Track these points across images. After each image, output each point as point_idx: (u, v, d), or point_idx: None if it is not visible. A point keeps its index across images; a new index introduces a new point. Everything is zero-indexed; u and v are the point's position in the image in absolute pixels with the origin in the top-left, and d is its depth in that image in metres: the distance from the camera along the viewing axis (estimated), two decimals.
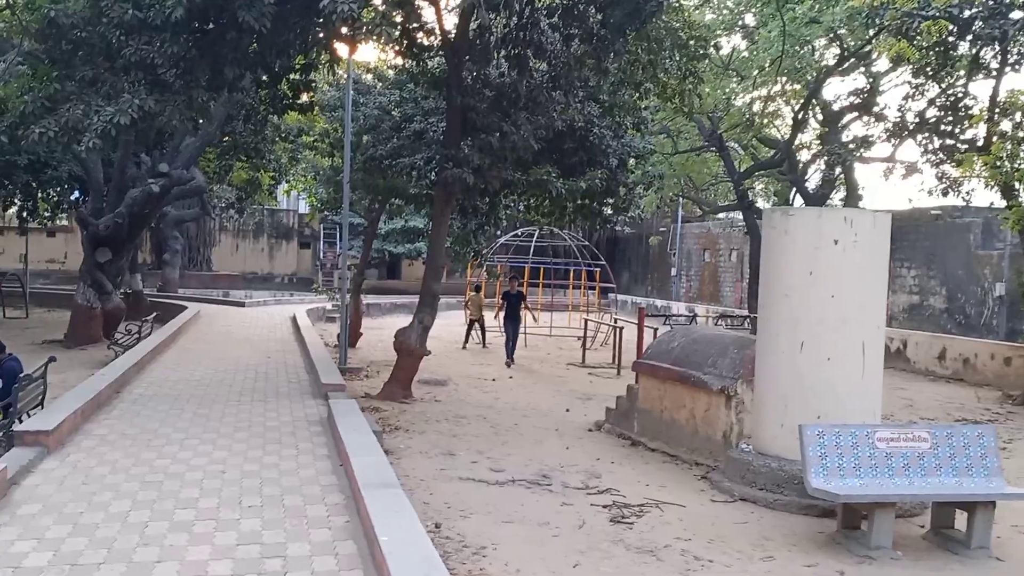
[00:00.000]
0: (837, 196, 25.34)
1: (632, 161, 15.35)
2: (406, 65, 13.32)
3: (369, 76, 18.39)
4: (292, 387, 11.41)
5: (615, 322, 18.17)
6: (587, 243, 22.70)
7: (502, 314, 18.46)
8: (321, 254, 39.83)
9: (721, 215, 36.35)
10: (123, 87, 9.75)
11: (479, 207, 12.92)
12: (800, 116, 18.93)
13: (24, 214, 22.02)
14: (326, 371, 11.59)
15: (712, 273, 36.65)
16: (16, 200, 21.75)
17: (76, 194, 22.16)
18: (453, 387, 13.96)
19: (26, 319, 22.81)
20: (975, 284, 22.45)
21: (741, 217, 36.10)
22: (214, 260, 40.78)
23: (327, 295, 23.08)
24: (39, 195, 21.25)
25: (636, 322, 14.85)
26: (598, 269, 25.93)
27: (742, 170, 21.23)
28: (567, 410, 12.23)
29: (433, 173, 14.55)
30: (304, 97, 13.06)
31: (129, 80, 9.60)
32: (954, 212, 23.74)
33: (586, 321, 18.79)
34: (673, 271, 38.73)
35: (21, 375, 8.09)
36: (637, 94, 13.28)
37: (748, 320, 13.72)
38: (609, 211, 15.31)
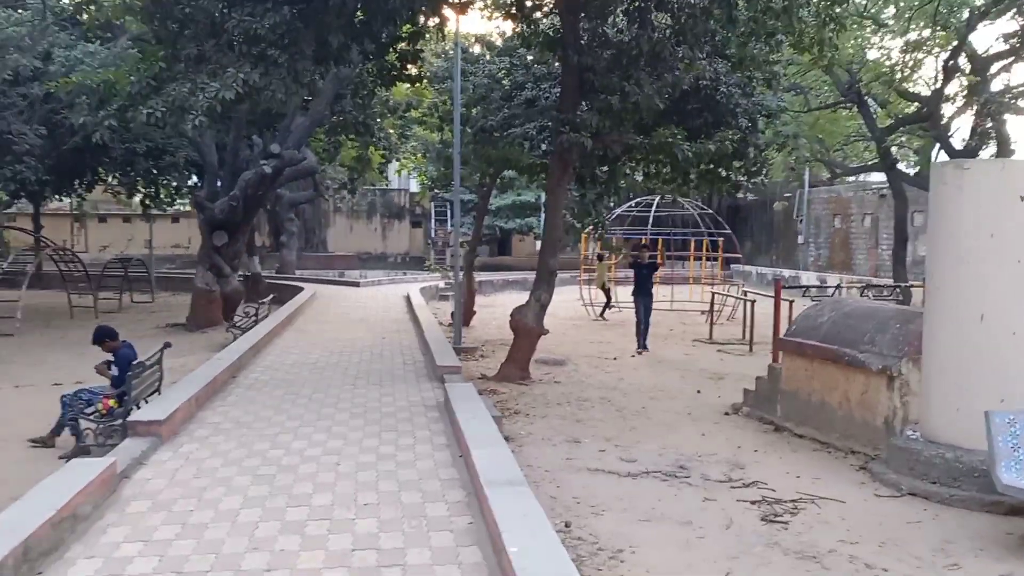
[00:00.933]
0: (987, 152, 23.22)
1: (761, 121, 14.19)
2: (517, 28, 12.59)
3: (477, 47, 17.81)
4: (407, 369, 10.98)
5: (744, 294, 17.05)
6: (710, 211, 21.51)
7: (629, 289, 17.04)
8: (432, 232, 39.75)
9: (851, 178, 34.22)
10: (228, 63, 9.41)
11: (597, 175, 12.12)
12: (950, 63, 17.16)
13: (147, 201, 22.56)
14: (441, 352, 11.10)
15: (843, 240, 34.59)
16: (139, 188, 22.28)
17: (194, 179, 22.54)
18: (572, 367, 13.28)
19: (151, 303, 23.48)
20: None
21: (874, 179, 34.00)
22: (329, 241, 41.38)
23: (439, 273, 22.78)
24: (160, 182, 21.69)
25: (769, 295, 13.75)
26: (721, 239, 24.69)
27: (883, 127, 19.52)
28: (698, 391, 11.37)
29: (546, 142, 13.89)
30: (412, 69, 12.52)
31: (234, 55, 9.24)
32: None
33: (713, 294, 17.73)
34: (800, 239, 36.79)
35: (135, 362, 7.88)
36: (769, 47, 12.15)
37: (897, 290, 12.47)
38: (739, 176, 14.22)
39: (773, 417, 9.29)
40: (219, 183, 18.04)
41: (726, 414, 9.97)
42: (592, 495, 6.73)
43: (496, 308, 23.35)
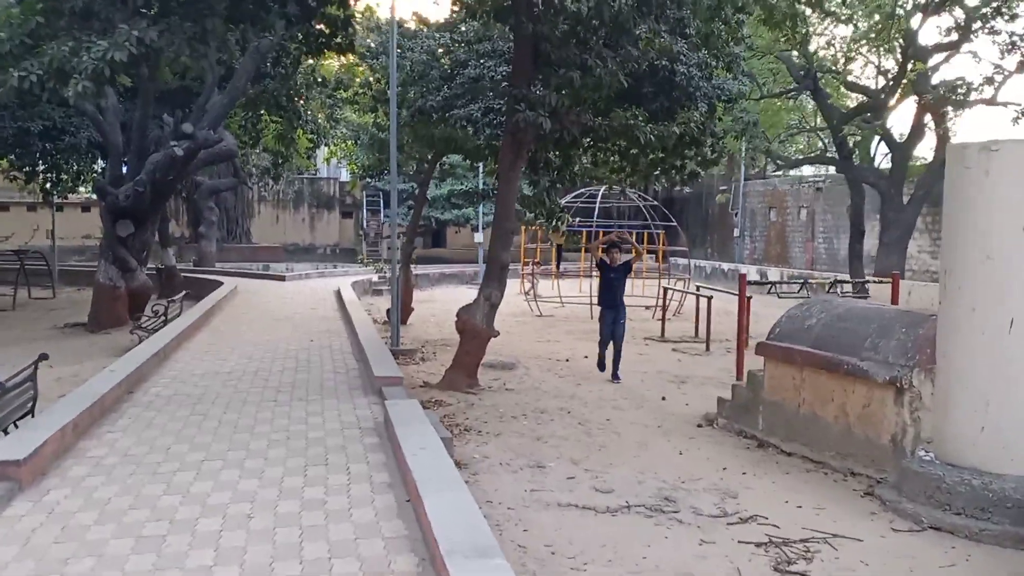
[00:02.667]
0: (927, 145, 22.92)
1: (720, 107, 13.22)
2: None
3: (414, 23, 16.43)
4: (339, 379, 9.62)
5: (697, 290, 16.13)
6: (655, 202, 20.60)
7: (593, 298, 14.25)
8: (364, 223, 38.10)
9: (781, 173, 33.88)
10: (121, 18, 7.91)
11: (551, 161, 10.94)
12: (901, 55, 16.54)
13: (47, 187, 20.48)
14: (378, 358, 9.78)
15: (779, 233, 34.24)
16: (40, 172, 20.18)
17: (101, 163, 20.56)
18: (523, 371, 12.10)
19: (52, 300, 21.44)
20: None
21: (808, 173, 33.72)
22: (253, 232, 39.32)
23: (372, 266, 21.41)
24: (62, 165, 19.65)
25: (726, 291, 12.83)
26: (661, 232, 23.83)
27: (839, 116, 18.81)
28: (663, 398, 10.31)
29: (491, 124, 12.66)
30: (341, 37, 11.12)
31: (128, 9, 7.75)
32: None
33: (665, 290, 16.75)
34: (736, 232, 36.36)
35: None
36: (731, 25, 11.12)
37: (864, 287, 11.68)
38: (695, 164, 13.22)
39: (754, 431, 8.26)
40: (125, 167, 16.26)
41: (699, 426, 8.91)
42: (569, 541, 5.54)
43: (435, 303, 22.05)
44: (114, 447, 6.46)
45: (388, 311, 17.42)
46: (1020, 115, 17.59)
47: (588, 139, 10.77)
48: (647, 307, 20.76)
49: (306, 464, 6.12)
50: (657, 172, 13.08)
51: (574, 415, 9.24)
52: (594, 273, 14.64)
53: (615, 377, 11.33)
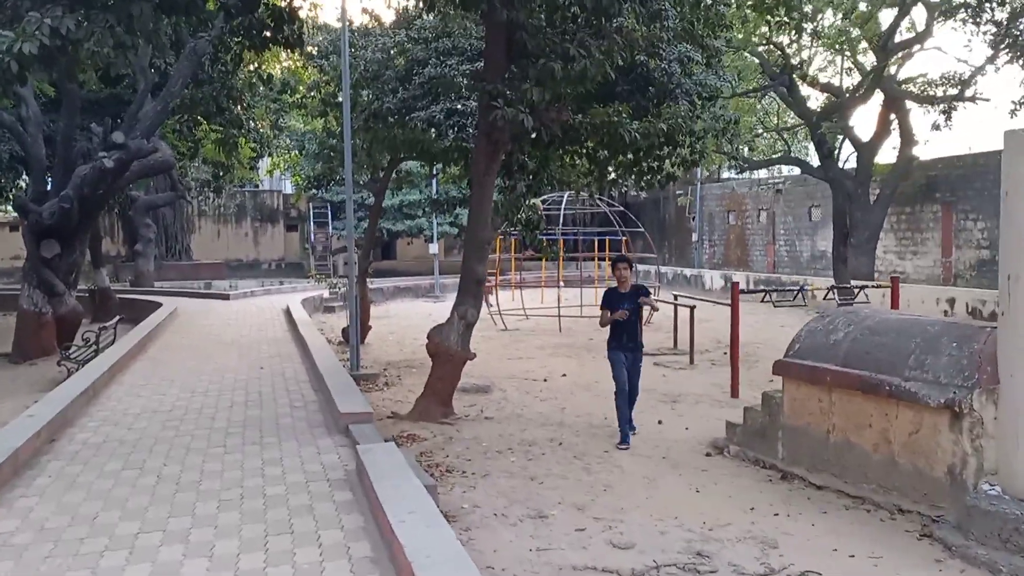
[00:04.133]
0: (890, 143, 22.52)
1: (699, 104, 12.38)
2: None
3: (366, 18, 15.36)
4: (297, 415, 8.46)
5: (676, 299, 15.26)
6: (622, 208, 19.74)
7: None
8: (311, 236, 36.67)
9: (741, 175, 33.48)
10: (31, 5, 6.72)
11: (526, 163, 9.94)
12: (878, 52, 15.96)
13: None
14: (341, 389, 8.66)
15: (739, 237, 33.80)
16: None
17: (25, 178, 18.96)
18: (500, 394, 11.05)
19: None
20: None
21: (767, 175, 33.26)
22: (194, 248, 37.61)
23: (324, 282, 20.19)
24: None
25: (703, 299, 11.97)
26: (624, 239, 23.02)
27: (817, 112, 18.14)
28: (659, 422, 9.36)
29: (455, 127, 11.64)
30: (287, 30, 9.99)
31: None
32: None
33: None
34: (694, 236, 35.84)
35: None
36: (719, 6, 10.28)
37: (862, 291, 10.92)
38: (672, 166, 12.37)
39: (773, 459, 7.34)
40: (49, 182, 14.82)
41: (708, 455, 7.96)
42: None
43: (392, 320, 20.91)
44: (28, 519, 5.24)
45: (344, 330, 16.25)
46: (1018, 106, 17.11)
47: (567, 140, 9.77)
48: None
49: (266, 533, 4.99)
50: (632, 175, 12.19)
51: (567, 447, 8.22)
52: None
53: (626, 441, 8.26)
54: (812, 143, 16.84)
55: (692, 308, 13.52)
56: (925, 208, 23.30)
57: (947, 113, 18.91)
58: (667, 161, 11.76)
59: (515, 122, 8.01)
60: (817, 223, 28.81)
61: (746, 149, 22.78)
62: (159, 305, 19.43)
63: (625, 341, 8.60)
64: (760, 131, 23.02)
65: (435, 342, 9.32)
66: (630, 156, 11.05)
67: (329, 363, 10.85)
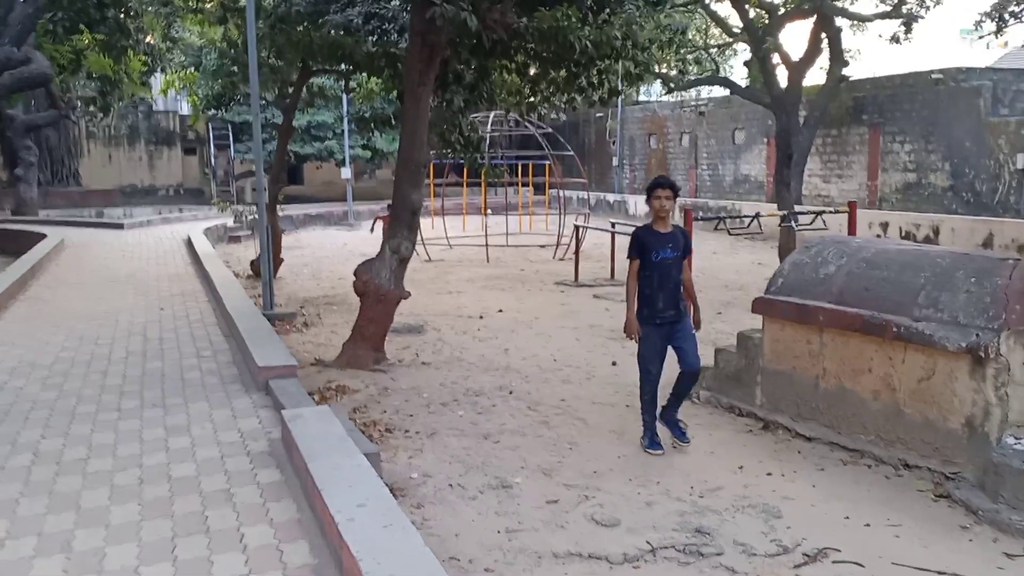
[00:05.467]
0: (819, 63, 21.95)
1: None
2: None
3: None
4: (206, 367, 7.31)
5: (613, 226, 14.43)
6: (550, 130, 18.69)
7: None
8: (212, 160, 34.32)
9: (665, 97, 32.64)
10: None
11: (462, 74, 8.74)
12: None
13: None
14: (255, 335, 7.52)
15: (660, 161, 33.16)
16: None
17: None
18: (434, 334, 10.06)
19: None
20: (987, 157, 19.57)
21: (691, 96, 32.48)
22: (83, 174, 34.77)
23: (228, 210, 18.60)
24: None
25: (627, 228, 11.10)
26: (547, 163, 22.04)
27: (765, 24, 17.20)
28: (614, 363, 8.55)
29: (376, 32, 10.31)
30: None
31: None
32: (958, 75, 20.67)
33: (577, 227, 14.93)
34: (614, 161, 35.05)
35: None
36: None
37: (819, 217, 10.23)
38: (616, 81, 11.34)
39: (751, 407, 6.61)
40: None
41: None
42: None
43: (304, 250, 19.53)
44: None
45: (253, 263, 14.89)
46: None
47: (509, 47, 8.60)
48: (542, 246, 19.07)
49: (174, 534, 3.95)
50: (569, 92, 11.11)
51: (518, 395, 7.33)
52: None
53: (653, 439, 5.95)
54: (756, 60, 16.02)
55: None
56: (852, 130, 23.00)
57: (907, 25, 18.32)
58: (607, 76, 10.74)
59: (456, 21, 6.82)
60: (740, 146, 28.37)
61: (691, 65, 21.86)
62: (43, 236, 17.57)
63: (661, 308, 5.78)
64: (695, 47, 22.06)
65: (364, 279, 8.21)
66: (571, 70, 10.01)
67: (239, 302, 9.66)
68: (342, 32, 10.51)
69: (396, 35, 10.17)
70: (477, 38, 7.82)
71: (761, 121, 26.75)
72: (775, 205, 20.10)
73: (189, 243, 17.25)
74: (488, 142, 16.76)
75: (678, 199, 5.97)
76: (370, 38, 10.51)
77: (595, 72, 10.28)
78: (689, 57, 19.79)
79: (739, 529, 4.66)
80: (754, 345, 6.60)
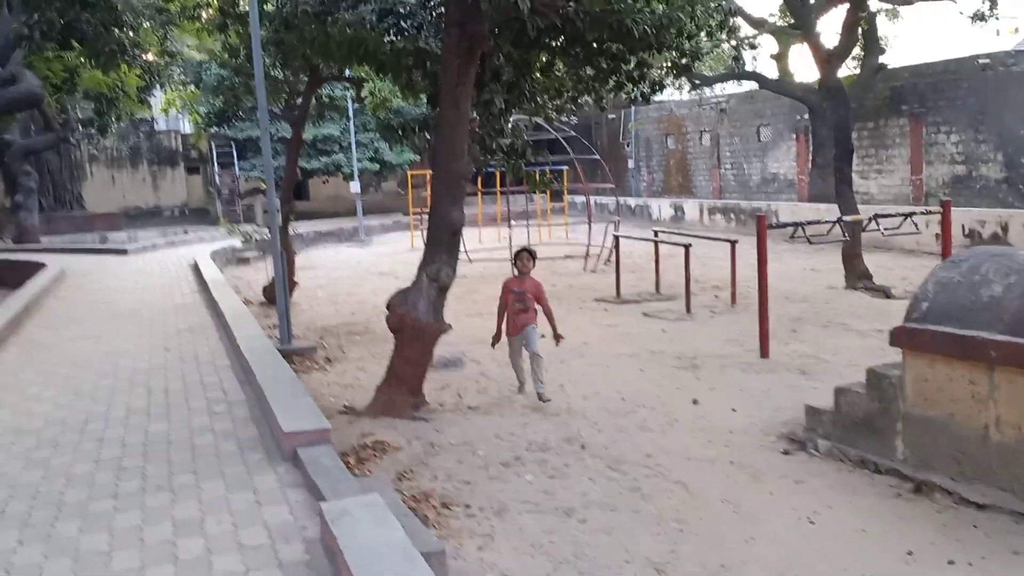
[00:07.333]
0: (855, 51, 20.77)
1: None
2: None
3: None
4: (220, 427, 6.12)
5: (656, 235, 13.22)
6: (574, 134, 17.53)
7: None
8: (216, 179, 33.24)
9: (681, 95, 31.43)
10: None
11: (500, 70, 7.53)
12: None
13: None
14: (277, 386, 6.33)
15: (679, 162, 31.96)
16: None
17: None
18: (474, 367, 8.87)
19: None
20: None
21: (711, 93, 31.16)
22: (86, 197, 33.74)
23: (236, 232, 17.49)
24: None
25: (677, 232, 9.87)
26: (564, 168, 20.87)
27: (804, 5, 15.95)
28: (695, 402, 7.33)
29: (393, 30, 9.13)
30: None
31: None
32: (1007, 59, 19.42)
33: (616, 238, 13.69)
34: (630, 163, 33.85)
35: None
36: None
37: (909, 218, 8.98)
38: (661, 74, 10.19)
39: (890, 461, 5.39)
40: None
41: (785, 452, 5.97)
42: None
43: (318, 271, 18.37)
44: None
45: (266, 289, 13.75)
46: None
47: (556, 36, 7.42)
48: (567, 256, 17.89)
49: None
50: (608, 86, 9.91)
51: (592, 450, 6.12)
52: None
53: None
54: (810, 50, 14.77)
55: (687, 247, 11.46)
56: (890, 122, 21.74)
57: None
58: (648, 69, 9.56)
59: (503, 5, 5.63)
60: (767, 144, 27.15)
61: (745, 50, 20.64)
62: (42, 266, 16.46)
63: None
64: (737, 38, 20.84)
65: (399, 313, 7.02)
66: (609, 63, 8.84)
67: (254, 339, 8.49)
68: (358, 27, 9.37)
69: (415, 31, 9.01)
70: (521, 26, 6.64)
71: (788, 116, 25.55)
72: (827, 204, 18.86)
73: (196, 268, 16.11)
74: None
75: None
76: (385, 37, 9.38)
77: (634, 65, 9.13)
78: (728, 45, 18.52)
79: None
80: (891, 385, 5.38)
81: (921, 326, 5.16)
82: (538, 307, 7.64)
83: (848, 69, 21.25)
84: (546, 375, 7.48)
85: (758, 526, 4.77)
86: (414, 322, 7.02)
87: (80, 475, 5.26)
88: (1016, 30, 33.44)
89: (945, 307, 5.12)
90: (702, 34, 10.80)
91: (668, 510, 5.03)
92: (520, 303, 7.53)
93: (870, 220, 9.59)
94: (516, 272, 7.79)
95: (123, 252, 21.22)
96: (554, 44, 7.65)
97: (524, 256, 7.77)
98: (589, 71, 9.19)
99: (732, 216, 23.13)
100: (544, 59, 9.02)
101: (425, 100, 8.51)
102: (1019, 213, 15.16)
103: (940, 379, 5.08)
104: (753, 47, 21.61)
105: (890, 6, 19.57)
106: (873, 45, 19.74)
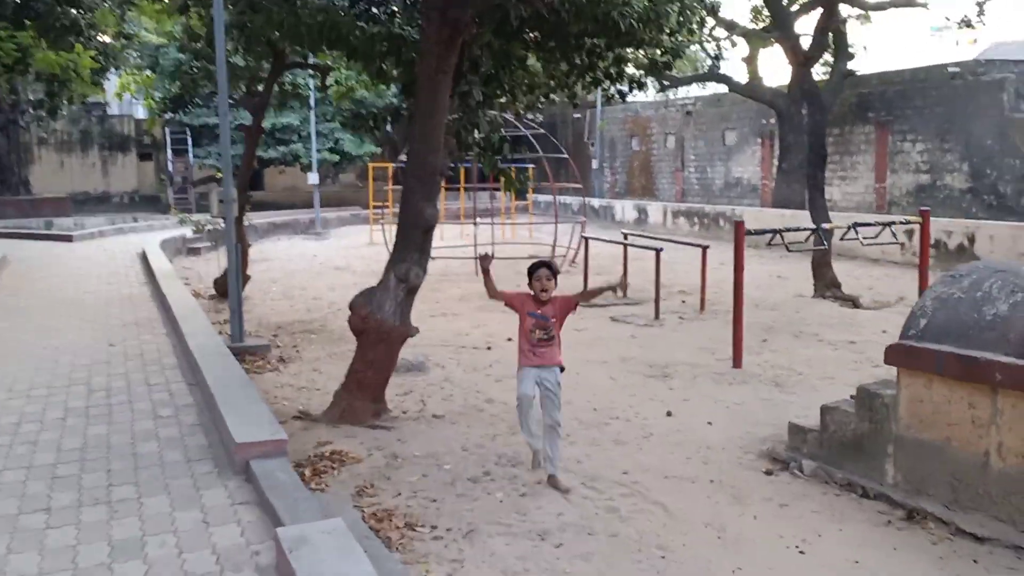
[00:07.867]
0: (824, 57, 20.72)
1: None
2: None
3: None
4: (165, 433, 5.66)
5: (626, 238, 12.94)
6: (542, 131, 17.19)
7: None
8: (169, 166, 32.24)
9: (646, 96, 31.29)
10: None
11: (479, 60, 7.14)
12: None
13: None
14: (228, 390, 5.90)
15: (643, 163, 31.84)
16: None
17: None
18: (438, 372, 8.48)
19: None
20: (1011, 156, 18.43)
21: (672, 96, 31.09)
22: (33, 181, 32.53)
23: (185, 221, 16.78)
24: None
25: (648, 236, 9.48)
26: (531, 166, 20.52)
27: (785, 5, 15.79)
28: (669, 414, 7.02)
29: (365, 15, 8.70)
30: None
31: None
32: (977, 68, 19.53)
33: (586, 239, 13.38)
34: (594, 163, 33.63)
35: None
36: None
37: (888, 228, 8.79)
38: (640, 72, 9.88)
39: (879, 486, 5.13)
40: None
41: (768, 473, 5.68)
42: None
43: (272, 264, 17.81)
44: None
45: (217, 281, 13.18)
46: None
47: (538, 26, 7.05)
48: (531, 256, 17.51)
49: None
50: (583, 82, 9.57)
51: (566, 465, 5.73)
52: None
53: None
54: (786, 53, 14.55)
55: (658, 251, 11.18)
56: (856, 129, 21.79)
57: (980, 6, 17.20)
58: (625, 65, 9.26)
59: None
60: (731, 148, 27.12)
61: (727, 49, 20.43)
62: None
63: None
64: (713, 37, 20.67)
65: (363, 314, 6.60)
66: (584, 59, 8.53)
67: (204, 336, 8.06)
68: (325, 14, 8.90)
69: (387, 17, 8.57)
70: (504, 15, 6.28)
71: (754, 120, 25.53)
72: (791, 210, 18.79)
73: (144, 258, 15.48)
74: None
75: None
76: (358, 22, 8.92)
77: (612, 61, 8.84)
78: (709, 46, 18.35)
79: None
80: (884, 405, 5.12)
81: (920, 344, 4.90)
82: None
83: (817, 75, 21.25)
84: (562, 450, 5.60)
85: (745, 555, 4.46)
86: (379, 324, 6.61)
87: (9, 484, 4.80)
88: (975, 41, 33.85)
89: (944, 325, 4.87)
90: (683, 30, 10.55)
91: (649, 534, 4.70)
92: (543, 331, 5.46)
93: (849, 228, 9.41)
94: (532, 293, 5.55)
95: (69, 239, 20.42)
96: (529, 36, 7.28)
97: (544, 275, 5.54)
98: (564, 66, 8.89)
99: (696, 220, 23.00)
100: (519, 52, 8.67)
101: (397, 90, 8.09)
102: (986, 224, 15.19)
103: (937, 400, 4.83)
104: (733, 44, 21.48)
105: (862, 11, 19.50)
106: (843, 51, 19.70)
